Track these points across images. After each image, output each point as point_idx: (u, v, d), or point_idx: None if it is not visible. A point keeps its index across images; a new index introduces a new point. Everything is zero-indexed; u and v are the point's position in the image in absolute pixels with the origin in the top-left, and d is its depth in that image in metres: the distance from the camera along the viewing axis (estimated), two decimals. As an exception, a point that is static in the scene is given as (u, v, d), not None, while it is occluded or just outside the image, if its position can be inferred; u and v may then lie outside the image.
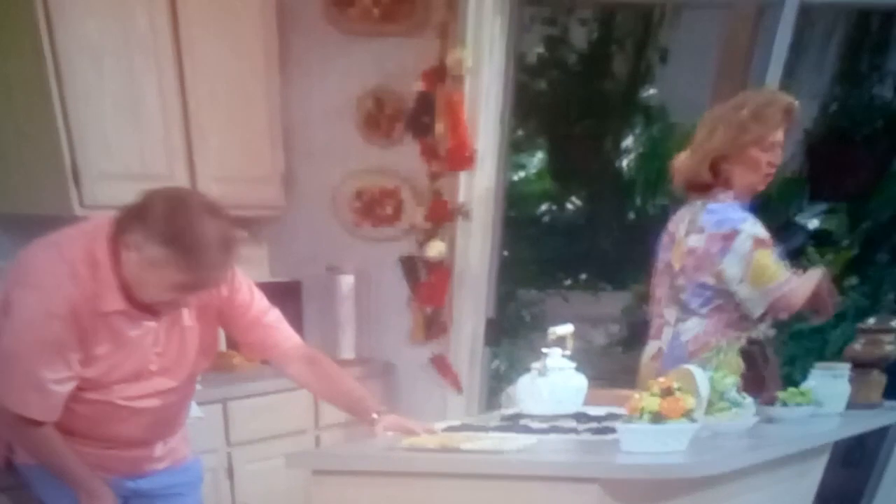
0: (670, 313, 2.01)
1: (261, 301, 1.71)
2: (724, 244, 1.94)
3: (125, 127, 2.27)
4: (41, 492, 1.64)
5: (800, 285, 1.94)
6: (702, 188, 1.99)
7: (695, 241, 1.98)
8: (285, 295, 2.66)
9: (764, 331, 1.97)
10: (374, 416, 1.67)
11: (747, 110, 1.97)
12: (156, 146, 2.32)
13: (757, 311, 1.95)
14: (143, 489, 1.68)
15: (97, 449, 1.62)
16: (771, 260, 1.93)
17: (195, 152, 2.41)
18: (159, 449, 1.69)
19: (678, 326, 1.99)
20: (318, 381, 1.72)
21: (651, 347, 2.04)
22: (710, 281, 1.96)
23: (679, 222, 2.03)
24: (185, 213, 1.53)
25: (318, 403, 2.49)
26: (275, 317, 1.72)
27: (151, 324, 1.61)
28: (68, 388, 1.57)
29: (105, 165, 2.20)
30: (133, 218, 1.55)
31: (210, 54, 2.44)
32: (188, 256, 1.52)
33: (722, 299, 1.96)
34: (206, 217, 1.54)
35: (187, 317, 1.64)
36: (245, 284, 1.69)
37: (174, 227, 1.52)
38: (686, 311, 1.99)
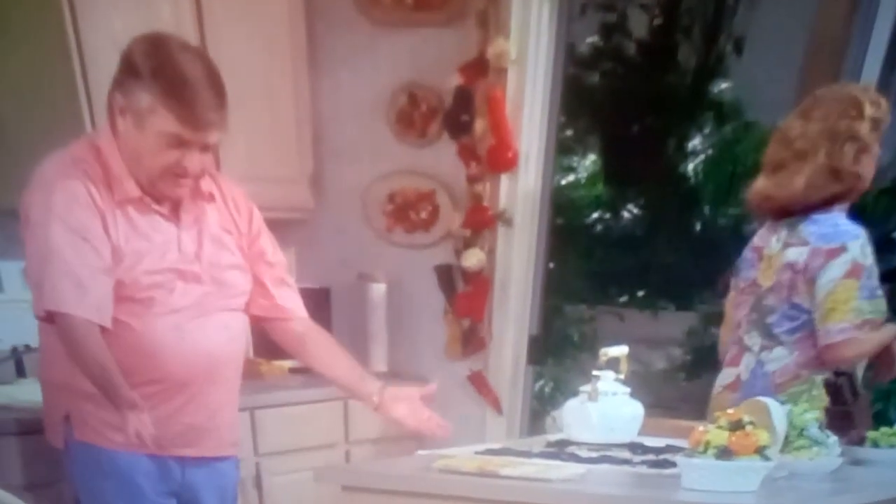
0: (752, 339, 1.96)
1: (276, 254, 1.79)
2: (826, 260, 1.87)
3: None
4: (85, 480, 1.68)
5: (867, 339, 1.87)
6: (802, 210, 1.93)
7: (795, 254, 1.91)
8: (314, 302, 2.69)
9: None
10: (375, 399, 1.75)
11: (867, 115, 1.92)
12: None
13: (818, 347, 1.88)
14: (200, 479, 1.71)
15: (160, 403, 1.64)
16: (853, 295, 1.86)
17: (221, 150, 2.51)
18: (220, 420, 1.71)
19: (763, 354, 1.94)
20: (319, 352, 1.80)
21: (726, 375, 1.99)
22: (806, 303, 1.90)
23: (769, 235, 1.98)
24: (163, 48, 1.63)
25: (348, 417, 2.55)
26: (281, 277, 1.79)
27: (170, 225, 1.67)
28: (103, 284, 1.60)
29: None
30: (116, 78, 1.65)
31: (236, 50, 2.52)
32: (173, 93, 1.59)
33: (814, 327, 1.89)
34: (184, 52, 1.64)
35: (214, 225, 1.72)
36: (268, 233, 1.78)
37: (154, 62, 1.60)
38: (771, 336, 1.93)
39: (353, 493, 1.58)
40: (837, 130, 1.94)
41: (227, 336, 1.73)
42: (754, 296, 1.98)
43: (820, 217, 1.93)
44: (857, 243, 1.90)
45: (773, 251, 1.97)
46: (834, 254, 1.89)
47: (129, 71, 1.65)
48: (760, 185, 2.02)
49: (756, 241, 2.03)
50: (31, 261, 1.65)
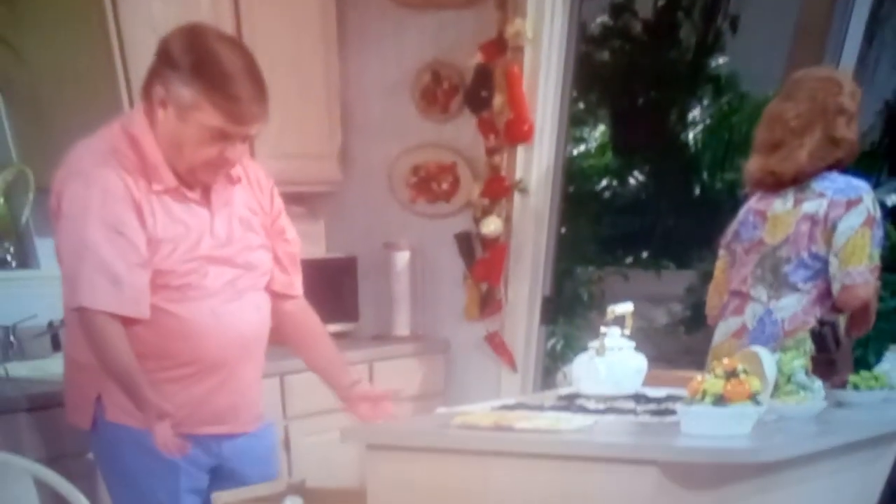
0: (758, 291, 1.99)
1: (292, 232, 1.73)
2: (846, 209, 1.96)
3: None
4: (115, 460, 1.62)
5: (875, 284, 1.95)
6: (806, 178, 1.98)
7: (813, 206, 1.98)
8: (342, 271, 2.75)
9: None
10: (344, 394, 1.71)
11: (847, 91, 2.03)
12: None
13: (834, 291, 1.95)
14: (237, 451, 1.67)
15: (195, 384, 1.59)
16: (868, 242, 1.94)
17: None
18: (250, 397, 1.67)
19: (771, 303, 1.98)
20: (302, 333, 1.74)
21: (730, 324, 2.03)
22: (823, 251, 1.96)
23: (771, 199, 2.02)
24: (201, 41, 1.55)
25: (373, 379, 2.56)
26: (295, 256, 1.74)
27: (204, 211, 1.61)
28: (140, 277, 1.54)
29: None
30: (155, 69, 1.57)
31: (270, 32, 2.50)
32: (214, 86, 1.52)
33: (828, 274, 1.96)
34: (223, 44, 1.56)
35: (242, 207, 1.65)
36: (285, 211, 1.72)
37: (193, 57, 1.53)
38: (784, 286, 1.98)
39: (377, 452, 1.56)
40: (827, 106, 2.03)
41: (259, 316, 1.69)
42: (759, 253, 2.04)
43: (829, 175, 2.02)
44: (870, 197, 2.00)
45: (780, 210, 2.03)
46: (852, 204, 1.98)
47: (168, 64, 1.57)
48: (760, 163, 2.08)
49: (756, 205, 2.08)
50: (65, 253, 1.58)
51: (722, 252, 2.13)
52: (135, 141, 1.60)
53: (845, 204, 1.96)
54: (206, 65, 1.55)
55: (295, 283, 1.75)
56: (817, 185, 2.00)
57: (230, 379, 1.65)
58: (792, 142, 2.01)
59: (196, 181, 1.63)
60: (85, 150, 1.62)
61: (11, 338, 2.20)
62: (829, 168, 2.01)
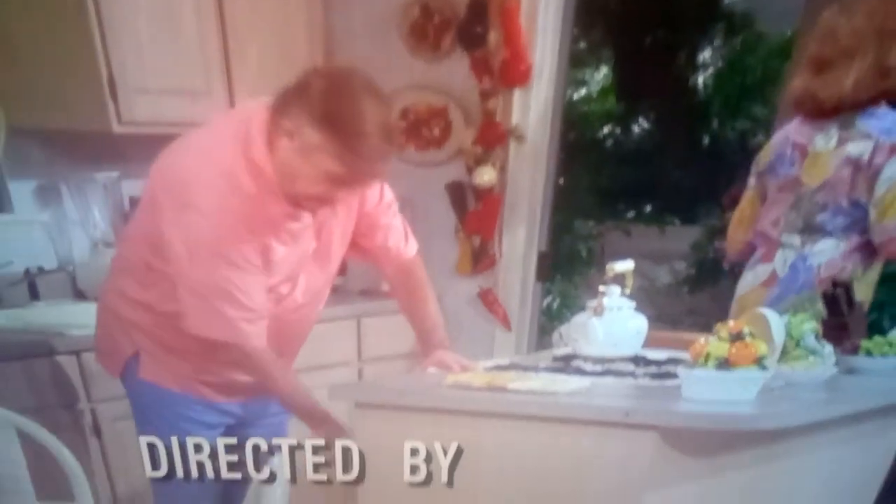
0: (791, 237, 1.90)
1: (392, 201, 1.79)
2: (890, 155, 1.82)
3: (162, 41, 2.31)
4: (142, 409, 1.71)
5: None
6: (849, 108, 1.83)
7: (858, 149, 1.85)
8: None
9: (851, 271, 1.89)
10: (425, 352, 1.78)
11: None
12: (193, 61, 2.39)
13: (876, 244, 1.83)
14: (256, 412, 1.76)
15: (233, 371, 1.69)
16: None
17: (233, 67, 2.45)
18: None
19: (806, 248, 1.88)
20: (402, 294, 1.83)
21: (759, 272, 1.95)
22: (865, 198, 1.84)
23: (812, 132, 1.89)
24: (347, 91, 1.54)
25: (360, 335, 2.60)
26: (395, 214, 1.81)
27: (309, 231, 1.67)
28: (265, 300, 1.62)
29: (142, 80, 2.28)
30: (290, 98, 1.57)
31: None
32: (345, 141, 1.53)
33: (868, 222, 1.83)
34: (368, 99, 1.55)
35: (344, 214, 1.71)
36: (384, 195, 1.78)
37: (332, 107, 1.53)
38: (817, 232, 1.88)
39: (365, 410, 1.58)
40: (885, 28, 1.85)
41: (312, 320, 1.78)
42: (794, 194, 1.93)
43: (877, 111, 1.86)
44: None
45: (822, 148, 1.90)
46: None
47: (304, 99, 1.56)
48: (804, 83, 1.91)
49: (796, 136, 1.94)
50: (185, 279, 1.61)
51: (752, 182, 1.98)
52: (256, 167, 1.59)
53: (890, 149, 1.81)
54: (342, 117, 1.54)
55: (387, 245, 1.82)
56: (863, 123, 1.84)
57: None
58: (839, 63, 1.83)
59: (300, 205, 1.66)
60: (197, 174, 1.59)
61: (-14, 285, 2.22)
62: (876, 100, 1.83)
